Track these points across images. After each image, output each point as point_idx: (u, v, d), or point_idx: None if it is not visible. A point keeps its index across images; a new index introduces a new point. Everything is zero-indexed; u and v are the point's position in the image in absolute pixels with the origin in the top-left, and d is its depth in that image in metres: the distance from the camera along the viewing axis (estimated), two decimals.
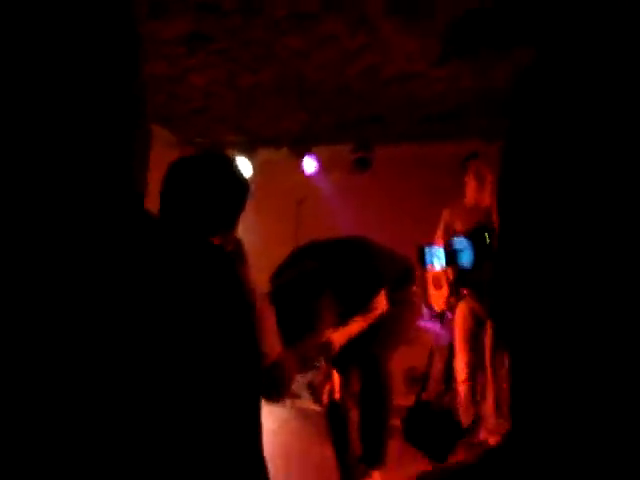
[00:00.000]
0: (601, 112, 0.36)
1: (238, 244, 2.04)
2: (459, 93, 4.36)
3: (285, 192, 5.75)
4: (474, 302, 3.85)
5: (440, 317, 3.92)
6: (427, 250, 3.01)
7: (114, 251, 0.64)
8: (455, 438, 2.84)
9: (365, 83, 4.36)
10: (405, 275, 3.06)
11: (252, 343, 0.71)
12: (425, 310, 3.84)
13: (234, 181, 1.68)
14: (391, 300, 2.86)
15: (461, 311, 3.97)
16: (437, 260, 2.96)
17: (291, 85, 4.55)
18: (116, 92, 0.66)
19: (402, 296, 3.00)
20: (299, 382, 4.92)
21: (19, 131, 0.60)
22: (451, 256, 2.93)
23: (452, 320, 3.97)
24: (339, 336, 2.72)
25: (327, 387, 3.06)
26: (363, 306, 2.78)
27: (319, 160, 5.94)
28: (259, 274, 4.53)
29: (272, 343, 1.63)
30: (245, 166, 6.17)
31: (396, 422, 3.10)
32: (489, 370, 3.91)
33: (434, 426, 2.87)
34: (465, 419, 3.50)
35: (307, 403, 4.37)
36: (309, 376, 4.14)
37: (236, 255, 1.93)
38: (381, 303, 2.82)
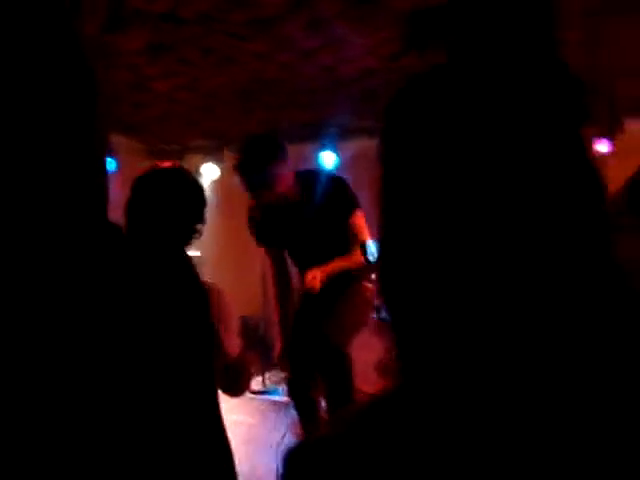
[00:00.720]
0: (468, 122, 0.47)
1: None
2: None
3: None
4: None
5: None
6: (367, 244, 3.10)
7: (78, 255, 0.69)
8: None
9: (324, 81, 4.47)
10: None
11: (207, 339, 0.77)
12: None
13: (191, 194, 1.82)
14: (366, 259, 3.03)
15: None
16: (372, 255, 3.05)
17: (253, 87, 4.63)
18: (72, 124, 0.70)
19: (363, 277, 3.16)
20: (275, 376, 5.09)
21: None
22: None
23: None
24: (321, 272, 2.95)
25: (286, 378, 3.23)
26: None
27: None
28: (225, 273, 4.59)
29: (233, 343, 1.77)
30: (212, 170, 6.23)
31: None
32: None
33: None
34: None
35: (283, 397, 4.49)
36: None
37: None
38: (358, 254, 3.01)
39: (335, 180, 3.16)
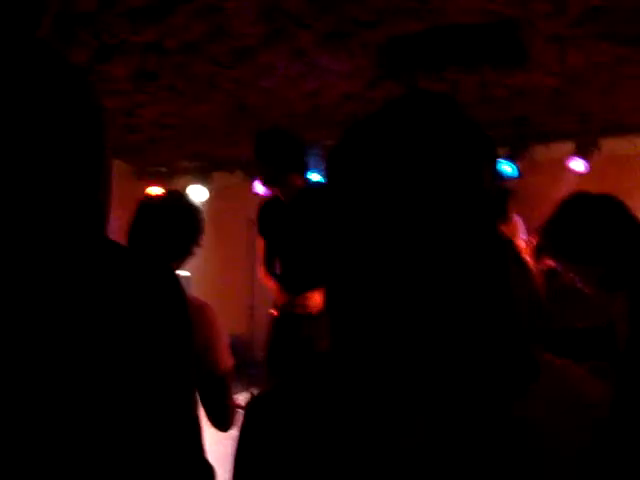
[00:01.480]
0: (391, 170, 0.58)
1: None
2: None
3: (240, 213, 5.99)
4: None
5: None
6: None
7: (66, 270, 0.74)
8: None
9: (307, 106, 4.63)
10: None
11: (185, 354, 0.81)
12: None
13: (193, 219, 1.95)
14: None
15: None
16: None
17: (238, 112, 4.78)
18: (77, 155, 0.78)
19: None
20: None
21: None
22: None
23: None
24: (318, 296, 2.93)
25: None
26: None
27: None
28: (212, 293, 4.67)
29: (225, 358, 1.84)
30: (199, 191, 6.36)
31: None
32: None
33: None
34: None
35: None
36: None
37: None
38: None
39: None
